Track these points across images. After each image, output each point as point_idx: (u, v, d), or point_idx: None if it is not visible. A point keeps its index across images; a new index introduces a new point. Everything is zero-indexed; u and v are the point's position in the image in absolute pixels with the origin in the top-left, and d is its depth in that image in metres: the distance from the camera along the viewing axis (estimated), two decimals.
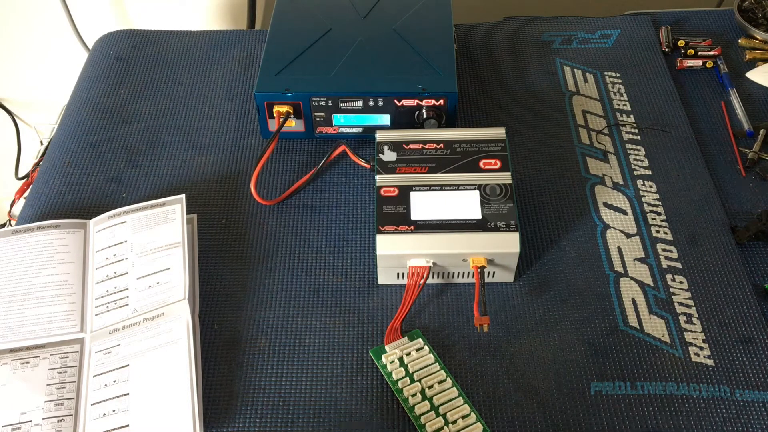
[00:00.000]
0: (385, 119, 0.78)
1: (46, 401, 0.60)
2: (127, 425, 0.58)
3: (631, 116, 0.84)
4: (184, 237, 0.69)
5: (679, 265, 0.70)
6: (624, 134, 0.82)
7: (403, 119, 0.78)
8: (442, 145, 0.71)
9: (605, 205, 0.75)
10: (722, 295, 0.68)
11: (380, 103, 0.77)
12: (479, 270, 0.65)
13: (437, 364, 0.62)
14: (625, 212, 0.75)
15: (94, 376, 0.61)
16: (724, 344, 0.64)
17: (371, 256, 0.71)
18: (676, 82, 0.88)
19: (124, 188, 0.78)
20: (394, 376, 0.61)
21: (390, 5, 0.86)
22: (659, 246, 0.72)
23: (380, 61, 0.79)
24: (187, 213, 0.72)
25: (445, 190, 0.68)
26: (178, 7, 1.24)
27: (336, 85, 0.77)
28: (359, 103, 0.77)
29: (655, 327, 0.65)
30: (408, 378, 0.61)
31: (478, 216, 0.66)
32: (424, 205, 0.67)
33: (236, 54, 0.93)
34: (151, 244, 0.69)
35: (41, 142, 1.35)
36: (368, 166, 0.76)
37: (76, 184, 0.79)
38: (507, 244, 0.65)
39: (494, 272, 0.68)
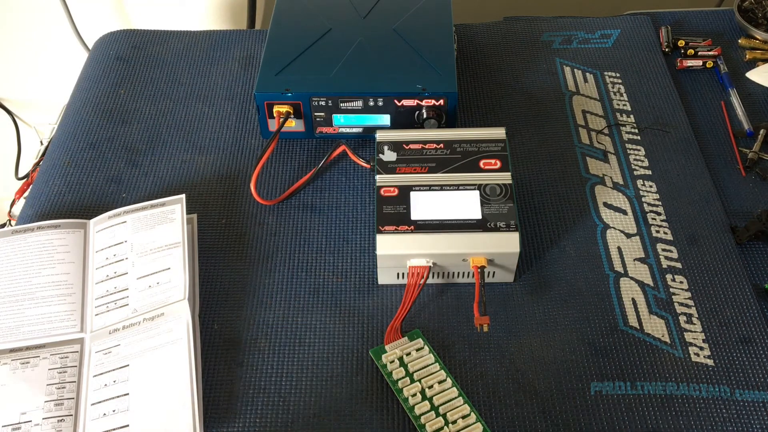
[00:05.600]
0: (385, 119, 0.78)
1: (46, 401, 0.60)
2: (127, 425, 0.58)
3: (631, 116, 0.84)
4: (184, 237, 0.69)
5: (679, 265, 0.70)
6: (624, 134, 0.82)
7: (403, 119, 0.78)
8: (442, 145, 0.71)
9: (605, 205, 0.75)
10: (722, 295, 0.68)
11: (380, 103, 0.77)
12: (479, 270, 0.65)
13: (437, 364, 0.62)
14: (625, 212, 0.75)
15: (94, 376, 0.61)
16: (724, 344, 0.64)
17: (371, 256, 0.71)
18: (676, 82, 0.89)
19: (124, 188, 0.78)
20: (394, 376, 0.61)
21: (390, 5, 0.86)
22: (659, 246, 0.72)
23: (380, 61, 0.79)
24: (187, 213, 0.72)
25: (445, 190, 0.68)
26: (178, 7, 1.24)
27: (336, 85, 0.77)
28: (359, 103, 0.77)
29: (655, 327, 0.65)
30: (408, 378, 0.61)
31: (478, 216, 0.66)
32: (424, 205, 0.67)
33: (236, 54, 0.93)
34: (151, 244, 0.69)
35: (41, 142, 1.35)
36: (368, 166, 0.76)
37: (76, 184, 0.79)
38: (507, 244, 0.65)
39: (494, 272, 0.68)
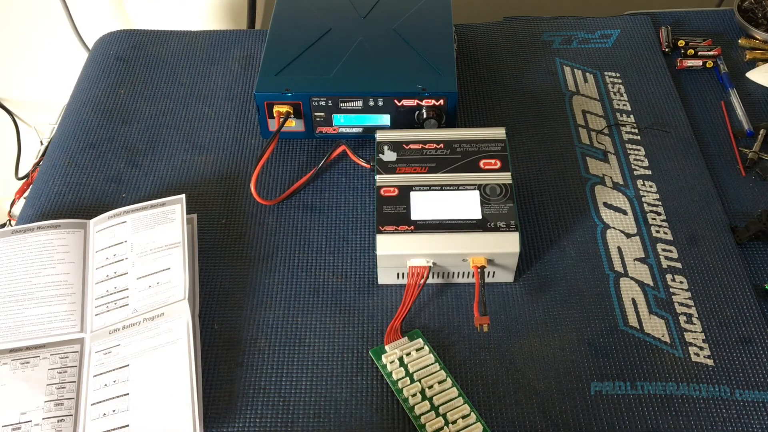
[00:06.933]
0: (385, 119, 0.78)
1: (46, 401, 0.60)
2: (127, 425, 0.58)
3: (631, 116, 0.84)
4: (184, 237, 0.69)
5: (679, 265, 0.70)
6: (624, 134, 0.82)
7: (403, 119, 0.78)
8: (442, 145, 0.71)
9: (605, 205, 0.75)
10: (722, 295, 0.68)
11: (380, 103, 0.77)
12: (479, 270, 0.65)
13: (437, 364, 0.62)
14: (625, 212, 0.75)
15: (94, 376, 0.61)
16: (724, 344, 0.64)
17: (371, 256, 0.71)
18: (676, 82, 0.89)
19: (124, 188, 0.78)
20: (394, 376, 0.61)
21: (390, 5, 0.86)
22: (659, 246, 0.72)
23: (380, 61, 0.79)
24: (187, 213, 0.72)
25: (445, 190, 0.68)
26: (178, 7, 1.24)
27: (336, 85, 0.77)
28: (359, 103, 0.77)
29: (655, 327, 0.65)
30: (408, 378, 0.61)
31: (478, 216, 0.66)
32: (424, 205, 0.67)
33: (236, 54, 0.93)
34: (151, 244, 0.69)
35: (41, 142, 1.35)
36: (368, 166, 0.76)
37: (76, 184, 0.79)
38: (507, 244, 0.65)
39: (494, 272, 0.68)
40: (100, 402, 0.60)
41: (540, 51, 0.93)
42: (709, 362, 0.63)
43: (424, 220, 0.66)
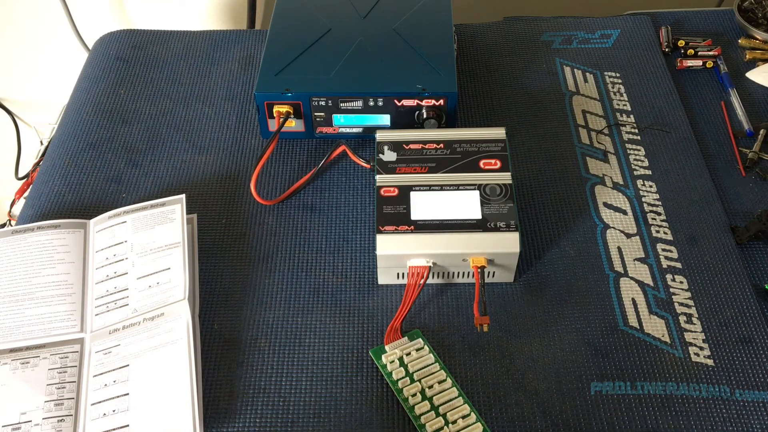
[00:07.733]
0: (385, 119, 0.78)
1: (46, 401, 0.60)
2: (127, 425, 0.58)
3: (631, 116, 0.84)
4: (184, 237, 0.69)
5: (679, 265, 0.70)
6: (624, 134, 0.82)
7: (403, 119, 0.78)
8: (442, 145, 0.71)
9: (605, 205, 0.75)
10: (722, 295, 0.68)
11: (380, 103, 0.77)
12: (479, 270, 0.65)
13: (437, 364, 0.62)
14: (625, 212, 0.75)
15: (94, 376, 0.62)
16: (724, 344, 0.64)
17: (371, 256, 0.71)
18: (676, 82, 0.89)
19: (124, 188, 0.78)
20: (394, 376, 0.61)
21: (390, 5, 0.86)
22: (659, 246, 0.72)
23: (380, 61, 0.79)
24: (187, 213, 0.72)
25: (445, 190, 0.68)
26: (178, 7, 1.24)
27: (336, 85, 0.77)
28: (359, 103, 0.77)
29: (655, 327, 0.65)
30: (408, 378, 0.61)
31: (478, 216, 0.66)
32: (424, 205, 0.67)
33: (236, 54, 0.93)
34: (151, 244, 0.69)
35: (41, 142, 1.35)
36: (368, 166, 0.76)
37: (76, 184, 0.79)
38: (507, 244, 0.65)
39: (494, 272, 0.68)
40: (100, 402, 0.60)
41: (540, 51, 0.93)
42: (709, 362, 0.63)
43: (424, 220, 0.66)
